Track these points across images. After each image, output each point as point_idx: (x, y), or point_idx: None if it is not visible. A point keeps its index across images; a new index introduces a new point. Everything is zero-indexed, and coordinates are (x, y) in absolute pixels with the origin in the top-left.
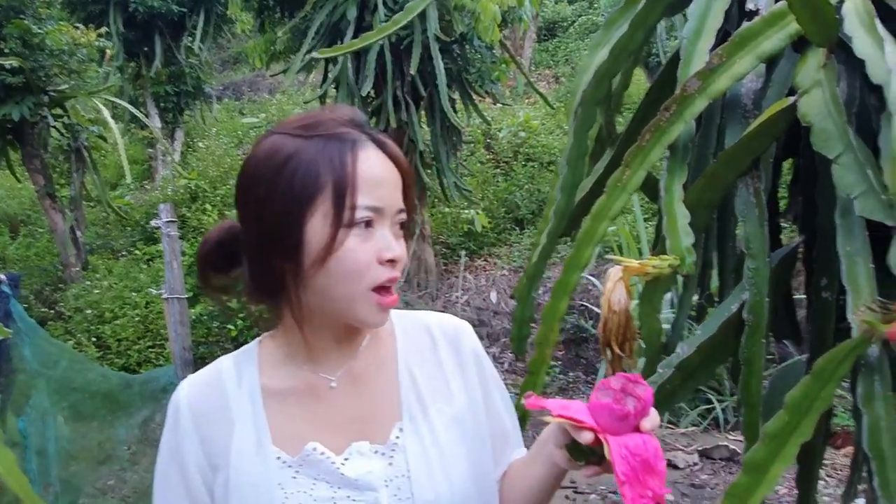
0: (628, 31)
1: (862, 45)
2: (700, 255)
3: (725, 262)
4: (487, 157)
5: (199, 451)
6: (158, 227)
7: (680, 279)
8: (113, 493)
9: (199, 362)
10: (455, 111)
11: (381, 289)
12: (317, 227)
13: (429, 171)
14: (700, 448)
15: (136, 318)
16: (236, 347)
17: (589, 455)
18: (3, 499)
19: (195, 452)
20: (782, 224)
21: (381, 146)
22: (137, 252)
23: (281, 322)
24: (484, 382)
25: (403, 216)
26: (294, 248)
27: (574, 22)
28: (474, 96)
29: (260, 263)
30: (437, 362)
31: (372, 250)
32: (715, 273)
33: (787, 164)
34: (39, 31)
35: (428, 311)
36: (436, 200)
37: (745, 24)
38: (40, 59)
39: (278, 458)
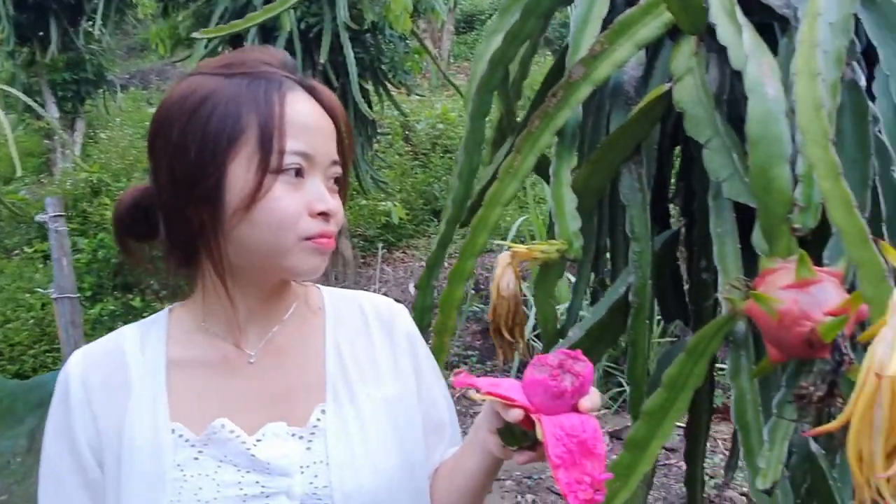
0: (520, 18)
1: (724, 32)
2: (594, 240)
3: (616, 247)
4: (406, 148)
5: (92, 427)
6: (45, 223)
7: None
8: None
9: None
10: (370, 102)
11: (317, 237)
12: (239, 172)
13: None
14: (611, 430)
15: (31, 322)
16: None
17: (522, 439)
18: None
19: (87, 430)
20: (672, 210)
21: (312, 92)
22: (29, 250)
23: (198, 287)
24: (418, 369)
25: (338, 170)
26: (213, 196)
27: (492, 15)
28: (391, 88)
29: (175, 217)
30: (369, 343)
31: (302, 200)
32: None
33: (678, 152)
34: None
35: (362, 291)
36: (354, 193)
37: (625, 12)
38: None
39: (180, 435)
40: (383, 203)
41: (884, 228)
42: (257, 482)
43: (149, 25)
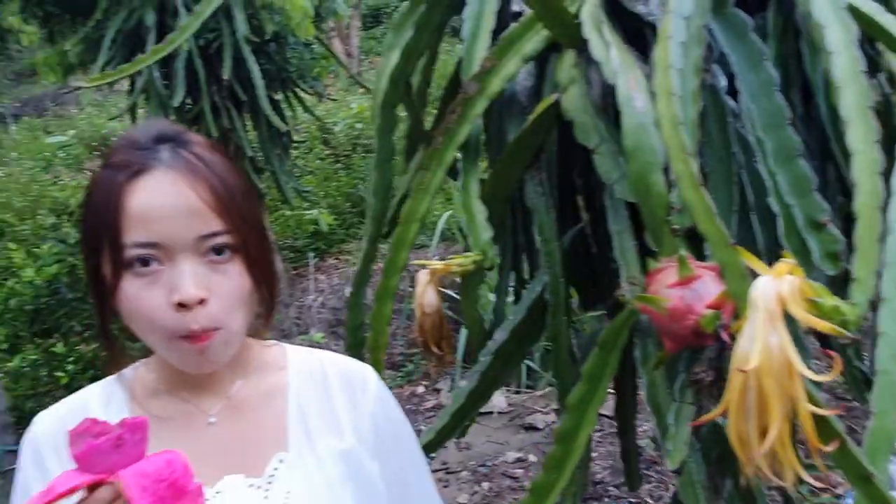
0: (414, 33)
1: (595, 48)
2: (510, 242)
3: (532, 246)
4: (326, 152)
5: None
6: None
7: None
8: None
9: (24, 421)
10: (282, 112)
11: (184, 338)
12: (106, 273)
13: (263, 175)
14: (557, 407)
15: None
16: (70, 394)
17: None
18: None
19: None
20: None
21: (187, 165)
22: None
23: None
24: (384, 437)
25: (219, 241)
26: (103, 298)
27: (397, 7)
28: (301, 94)
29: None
30: (328, 398)
31: (161, 292)
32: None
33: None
34: None
35: (326, 351)
36: (278, 204)
37: (508, 29)
38: None
39: None
40: (309, 211)
41: (752, 216)
42: None
43: (33, 50)
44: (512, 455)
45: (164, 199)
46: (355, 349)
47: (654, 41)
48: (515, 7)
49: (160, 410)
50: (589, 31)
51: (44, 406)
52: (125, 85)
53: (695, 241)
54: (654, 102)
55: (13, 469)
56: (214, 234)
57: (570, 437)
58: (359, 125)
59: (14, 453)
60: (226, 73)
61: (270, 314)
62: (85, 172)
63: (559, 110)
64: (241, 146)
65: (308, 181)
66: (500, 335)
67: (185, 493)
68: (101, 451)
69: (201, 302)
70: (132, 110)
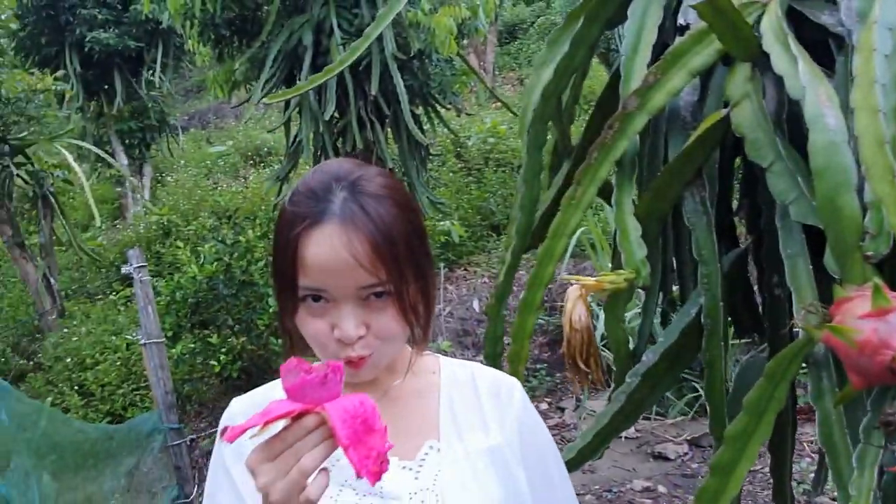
0: (569, 49)
1: (779, 61)
2: (660, 260)
3: (683, 268)
4: (459, 165)
5: (240, 465)
6: (129, 274)
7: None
8: None
9: (184, 402)
10: (421, 125)
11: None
12: (290, 291)
13: None
14: (689, 437)
15: (118, 363)
16: (221, 382)
17: None
18: None
19: (239, 471)
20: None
21: (354, 219)
22: (113, 295)
23: None
24: (531, 452)
25: (376, 290)
26: (285, 311)
27: (533, 23)
28: (439, 108)
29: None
30: (478, 405)
31: (327, 324)
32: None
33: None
34: None
35: (477, 363)
36: None
37: (676, 42)
38: None
39: None
40: (442, 223)
41: None
42: None
43: (203, 68)
44: (639, 483)
45: (332, 253)
46: (493, 360)
47: (841, 54)
48: (681, 20)
49: None
50: (771, 44)
51: (198, 390)
52: (275, 102)
53: (884, 270)
54: (847, 119)
55: (178, 444)
56: (372, 286)
57: (727, 470)
58: (491, 139)
59: (178, 431)
60: (373, 89)
61: (426, 334)
62: (240, 179)
63: (727, 126)
64: (382, 158)
65: (441, 193)
66: (649, 357)
67: (374, 431)
68: (310, 384)
69: (360, 338)
70: (287, 124)
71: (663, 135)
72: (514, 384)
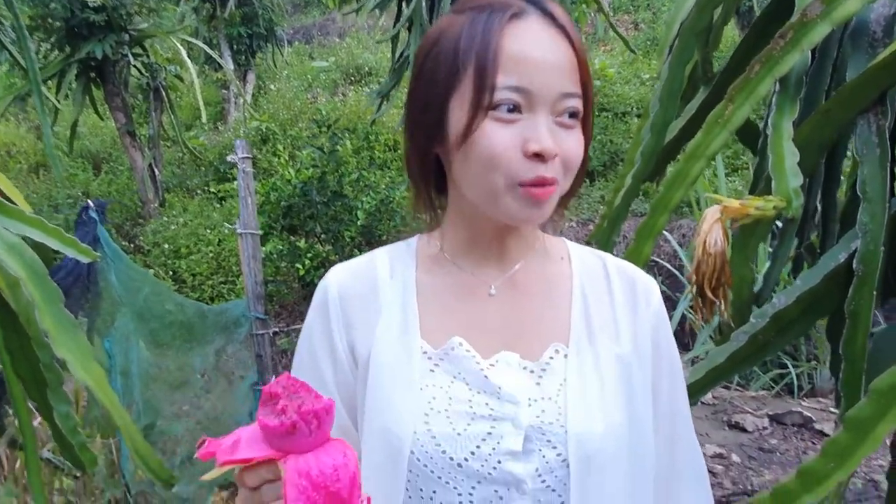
0: None
1: None
2: (803, 203)
3: (829, 211)
4: None
5: (346, 333)
6: (234, 164)
7: (775, 228)
8: (188, 417)
9: (269, 298)
10: None
11: (530, 184)
12: (456, 109)
13: None
14: (770, 413)
15: (210, 255)
16: (303, 287)
17: None
18: (91, 412)
19: (342, 334)
20: None
21: (555, 20)
22: (211, 191)
23: (444, 220)
24: (659, 356)
25: (573, 103)
26: (436, 132)
27: None
28: None
29: (413, 151)
30: (611, 301)
31: (516, 139)
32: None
33: None
34: None
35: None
36: None
37: None
38: None
39: (423, 351)
40: None
41: None
42: (486, 404)
43: None
44: (711, 449)
45: (541, 46)
46: None
47: None
48: None
49: (444, 278)
50: None
51: (280, 290)
52: (381, 22)
53: None
54: None
55: (262, 333)
56: (572, 95)
57: (866, 426)
58: (597, 82)
59: (262, 321)
60: None
61: (567, 201)
62: (339, 95)
63: None
64: None
65: None
66: (781, 300)
67: None
68: (274, 432)
69: (554, 158)
70: (394, 39)
71: (833, 56)
72: (652, 284)
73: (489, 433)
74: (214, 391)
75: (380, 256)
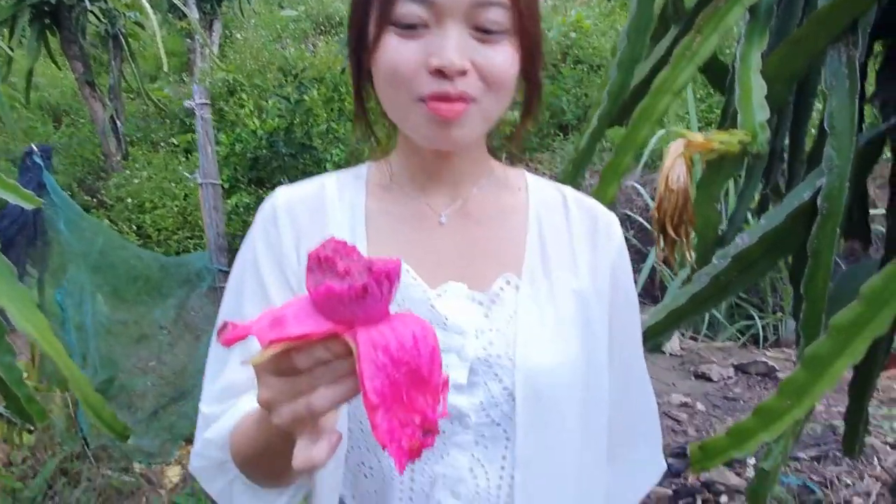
0: None
1: None
2: (768, 144)
3: (797, 151)
4: None
5: (296, 243)
6: (192, 109)
7: (741, 168)
8: (154, 372)
9: (234, 252)
10: None
11: (432, 98)
12: (372, 26)
13: None
14: (736, 363)
15: (175, 209)
16: None
17: None
18: (46, 365)
19: (293, 245)
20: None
21: None
22: (176, 143)
23: (394, 146)
24: (616, 297)
25: (493, 14)
26: (362, 52)
27: None
28: None
29: (351, 72)
30: (569, 233)
31: (419, 54)
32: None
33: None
34: None
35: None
36: None
37: None
38: None
39: None
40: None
41: None
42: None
43: None
44: (677, 398)
45: None
46: None
47: None
48: None
49: (393, 206)
50: None
51: None
52: None
53: None
54: None
55: (225, 286)
56: (491, 4)
57: (824, 362)
58: (573, 34)
59: (226, 274)
60: None
61: (523, 126)
62: (309, 45)
63: None
64: None
65: None
66: (744, 239)
67: (426, 385)
68: (340, 299)
69: (462, 73)
70: None
71: None
72: (613, 219)
73: None
74: (180, 346)
75: (328, 180)
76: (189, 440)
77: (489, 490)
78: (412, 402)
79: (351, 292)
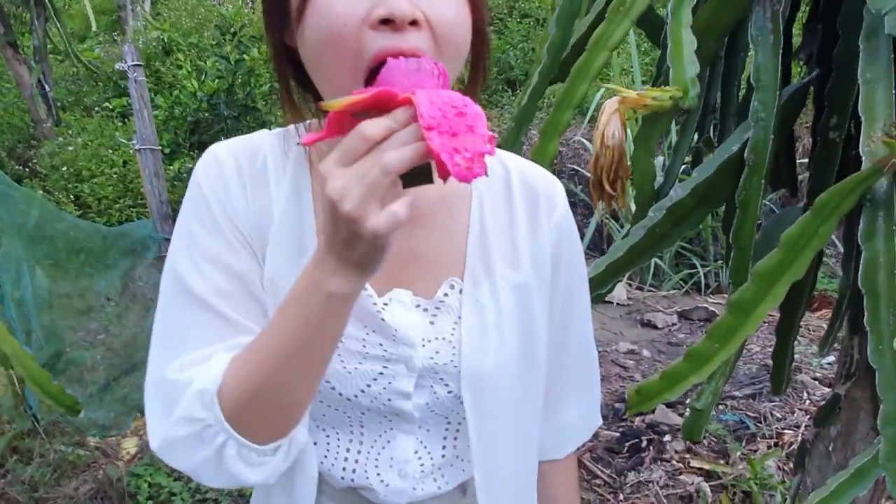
0: None
1: None
2: (701, 98)
3: (728, 105)
4: None
5: (245, 204)
6: (124, 72)
7: (675, 123)
8: (103, 344)
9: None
10: None
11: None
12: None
13: None
14: (679, 310)
15: (115, 177)
16: None
17: (420, 175)
18: None
19: (241, 201)
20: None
21: None
22: (111, 107)
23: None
24: (559, 271)
25: None
26: (280, 10)
27: None
28: None
29: (267, 37)
30: (510, 221)
31: (359, 7)
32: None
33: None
34: None
35: (516, 155)
36: None
37: None
38: None
39: None
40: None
41: None
42: (380, 345)
43: None
44: (625, 346)
45: None
46: None
47: None
48: None
49: None
50: None
51: None
52: None
53: None
54: None
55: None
56: None
57: (748, 307)
58: None
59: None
60: None
61: (474, 85)
62: (248, 1)
63: None
64: None
65: None
66: (678, 192)
67: (471, 130)
68: (401, 69)
69: (413, 24)
70: None
71: None
72: (554, 188)
73: (381, 373)
74: (128, 317)
75: (266, 139)
76: (143, 411)
77: (434, 467)
78: (463, 140)
79: (408, 66)
